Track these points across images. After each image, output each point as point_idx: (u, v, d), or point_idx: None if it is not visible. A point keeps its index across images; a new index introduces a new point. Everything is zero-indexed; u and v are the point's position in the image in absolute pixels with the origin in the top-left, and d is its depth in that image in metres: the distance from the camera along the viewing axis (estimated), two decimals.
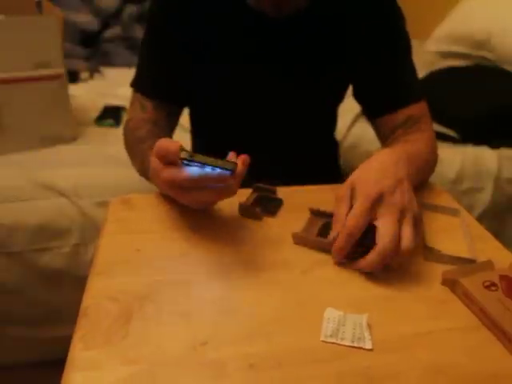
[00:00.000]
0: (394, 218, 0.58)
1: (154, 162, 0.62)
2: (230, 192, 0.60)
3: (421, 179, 0.81)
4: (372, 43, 0.88)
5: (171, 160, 0.58)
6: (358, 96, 0.98)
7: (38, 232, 1.19)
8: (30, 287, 1.22)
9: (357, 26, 0.88)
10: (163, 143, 0.59)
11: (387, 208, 0.59)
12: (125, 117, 1.59)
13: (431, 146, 0.88)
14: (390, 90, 0.90)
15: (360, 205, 0.59)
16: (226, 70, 0.91)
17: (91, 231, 1.22)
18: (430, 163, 0.86)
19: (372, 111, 0.95)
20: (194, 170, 0.57)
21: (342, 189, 0.64)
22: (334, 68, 0.92)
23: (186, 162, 0.56)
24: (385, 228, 0.57)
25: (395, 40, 0.89)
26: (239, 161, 0.58)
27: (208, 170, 0.56)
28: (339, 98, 1.04)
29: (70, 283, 1.21)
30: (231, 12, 0.87)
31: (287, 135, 0.98)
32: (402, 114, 0.88)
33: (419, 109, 0.89)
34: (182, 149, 0.56)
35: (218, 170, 0.56)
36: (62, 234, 1.21)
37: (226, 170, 0.55)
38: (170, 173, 0.59)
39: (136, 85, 0.95)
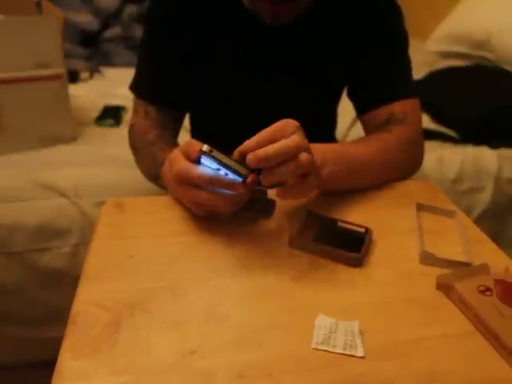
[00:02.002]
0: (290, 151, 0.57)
1: (175, 153, 0.64)
2: (235, 202, 0.62)
3: (360, 179, 0.80)
4: (365, 40, 0.88)
5: (192, 156, 0.61)
6: (349, 93, 0.98)
7: (38, 232, 1.20)
8: (29, 287, 1.23)
9: (354, 26, 0.88)
10: (192, 140, 0.63)
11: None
12: (125, 117, 1.62)
13: (397, 149, 0.84)
14: (376, 85, 0.90)
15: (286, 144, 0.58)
16: (224, 73, 0.91)
17: (91, 231, 1.22)
18: (384, 166, 0.83)
19: (358, 107, 0.96)
20: (207, 171, 0.59)
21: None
22: (332, 69, 0.92)
23: (204, 156, 0.58)
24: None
25: (389, 37, 0.89)
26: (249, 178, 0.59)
27: (222, 173, 0.58)
28: (337, 98, 1.04)
29: (69, 283, 1.21)
30: (229, 15, 0.87)
31: None
32: (384, 112, 0.88)
33: (405, 106, 0.88)
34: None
35: (231, 176, 0.58)
36: (62, 234, 1.21)
37: (239, 174, 0.57)
38: (183, 165, 0.61)
39: (137, 90, 0.96)
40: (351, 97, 0.98)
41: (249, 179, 0.58)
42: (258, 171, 0.58)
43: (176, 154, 0.64)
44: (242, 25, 0.87)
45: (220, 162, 0.57)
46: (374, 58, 0.89)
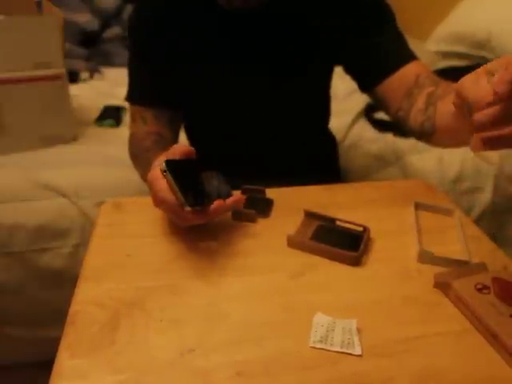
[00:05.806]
0: None
1: (155, 173, 0.64)
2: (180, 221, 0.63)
3: None
4: (357, 18, 0.88)
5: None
6: (351, 71, 0.95)
7: (38, 232, 1.20)
8: (29, 287, 1.23)
9: (332, 7, 0.88)
10: (175, 148, 0.65)
11: None
12: (125, 117, 1.62)
13: None
14: (388, 51, 0.88)
15: None
16: (203, 71, 0.93)
17: (91, 232, 1.22)
18: None
19: (372, 79, 0.90)
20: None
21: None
22: (308, 55, 0.92)
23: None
24: None
25: (380, 11, 0.89)
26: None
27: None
28: (320, 86, 1.03)
29: (70, 283, 1.21)
30: (203, 13, 0.89)
31: (277, 130, 0.99)
32: (408, 73, 0.85)
33: (423, 66, 0.86)
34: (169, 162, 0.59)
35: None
36: (62, 235, 1.21)
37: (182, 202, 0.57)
38: (157, 189, 0.62)
39: (132, 98, 0.98)
40: (356, 74, 0.95)
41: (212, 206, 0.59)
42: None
43: (156, 173, 0.64)
44: (218, 23, 0.89)
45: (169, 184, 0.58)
46: (373, 30, 0.88)
